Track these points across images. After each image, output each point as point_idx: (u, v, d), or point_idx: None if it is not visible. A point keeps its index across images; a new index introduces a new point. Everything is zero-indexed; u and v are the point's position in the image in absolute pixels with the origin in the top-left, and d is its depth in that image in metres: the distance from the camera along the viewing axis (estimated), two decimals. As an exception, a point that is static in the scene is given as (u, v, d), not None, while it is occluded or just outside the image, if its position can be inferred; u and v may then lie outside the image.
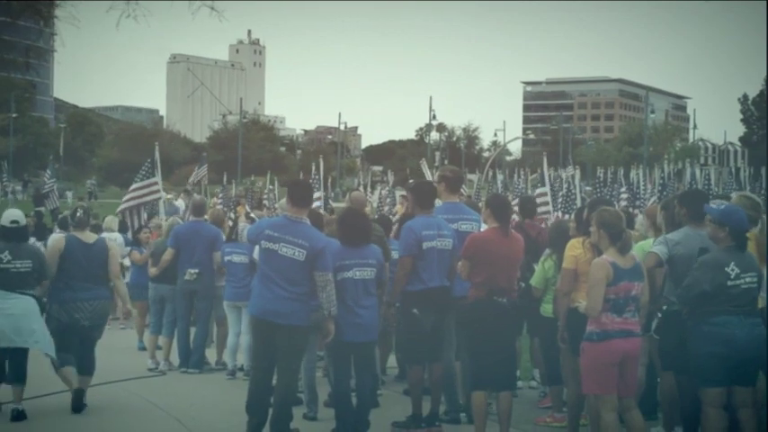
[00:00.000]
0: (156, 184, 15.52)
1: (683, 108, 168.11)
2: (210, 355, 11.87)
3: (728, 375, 7.01)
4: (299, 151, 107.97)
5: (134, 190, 15.42)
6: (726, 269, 7.00)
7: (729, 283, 6.97)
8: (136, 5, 9.63)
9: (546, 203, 15.25)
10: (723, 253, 7.11)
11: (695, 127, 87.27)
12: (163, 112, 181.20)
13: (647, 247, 8.00)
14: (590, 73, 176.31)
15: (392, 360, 11.13)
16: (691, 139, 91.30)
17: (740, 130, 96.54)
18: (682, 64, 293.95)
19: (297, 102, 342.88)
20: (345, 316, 8.15)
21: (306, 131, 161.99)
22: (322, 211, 15.62)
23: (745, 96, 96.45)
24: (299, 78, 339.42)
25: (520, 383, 9.99)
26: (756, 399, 7.49)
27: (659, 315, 7.78)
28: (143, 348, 12.75)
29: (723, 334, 6.94)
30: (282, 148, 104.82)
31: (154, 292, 11.94)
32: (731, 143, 62.02)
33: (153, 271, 11.86)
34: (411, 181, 13.77)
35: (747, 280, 7.03)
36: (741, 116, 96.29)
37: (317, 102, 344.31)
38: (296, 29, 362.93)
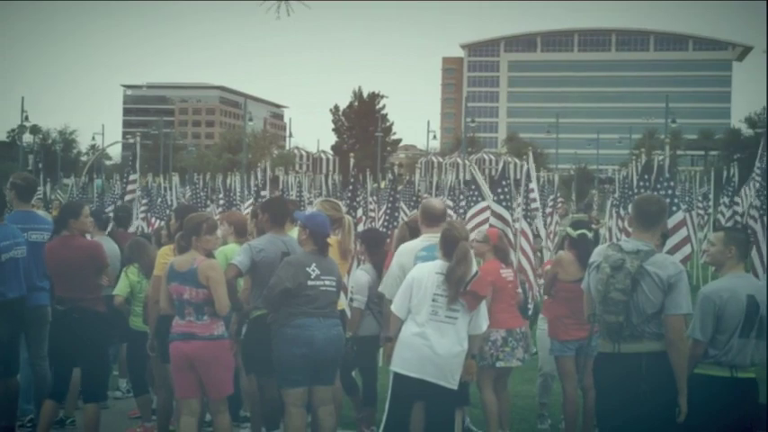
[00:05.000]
0: (135, 181, 13.66)
1: (281, 117, 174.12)
2: None
3: (309, 376, 7.31)
4: None
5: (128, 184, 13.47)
6: (307, 269, 7.33)
7: (310, 282, 7.29)
8: None
9: (534, 200, 14.38)
10: (306, 255, 7.45)
11: (291, 135, 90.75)
12: None
13: (228, 253, 8.15)
14: (191, 79, 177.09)
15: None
16: (287, 147, 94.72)
17: (332, 138, 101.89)
18: (279, 74, 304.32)
19: None
20: None
21: None
22: None
23: (337, 107, 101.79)
24: None
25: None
26: (336, 396, 7.95)
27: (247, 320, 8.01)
28: None
29: (304, 336, 7.22)
30: None
31: None
32: (324, 151, 65.15)
33: None
34: None
35: (327, 283, 7.39)
36: (333, 126, 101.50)
37: None
38: None
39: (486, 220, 12.51)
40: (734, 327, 6.13)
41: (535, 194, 13.85)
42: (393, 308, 7.01)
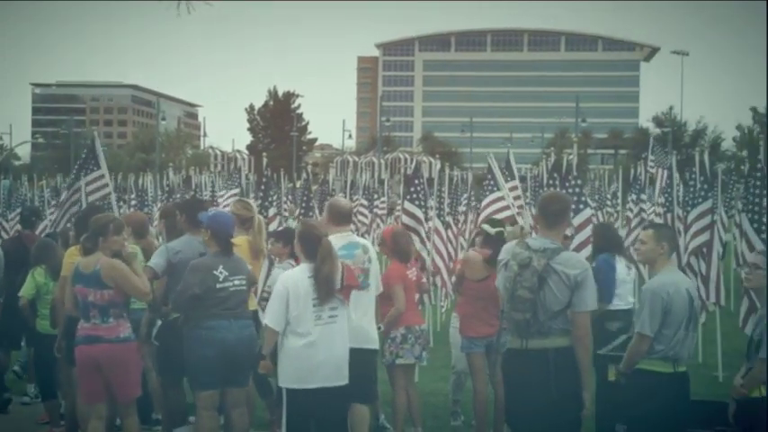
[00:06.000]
0: (102, 177, 11.99)
1: (195, 116, 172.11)
2: None
3: (221, 378, 7.24)
4: None
5: (86, 184, 11.80)
6: (214, 272, 7.25)
7: (218, 285, 7.22)
8: None
9: (519, 197, 13.57)
10: (212, 257, 7.37)
11: (205, 135, 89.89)
12: None
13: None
14: (102, 77, 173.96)
15: None
16: (202, 147, 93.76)
17: (247, 138, 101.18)
18: (193, 73, 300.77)
19: None
20: None
21: None
22: None
23: (252, 107, 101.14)
24: None
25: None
26: (249, 398, 7.90)
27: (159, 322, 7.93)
28: None
29: (215, 337, 7.15)
30: None
31: None
32: (239, 151, 64.66)
33: None
34: None
35: (236, 283, 7.33)
36: (248, 125, 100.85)
37: None
38: None
39: (502, 208, 12.24)
40: (680, 321, 6.25)
41: (519, 192, 13.60)
42: (269, 322, 6.68)
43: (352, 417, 7.45)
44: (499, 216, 12.21)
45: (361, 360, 7.18)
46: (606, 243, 9.10)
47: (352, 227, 8.08)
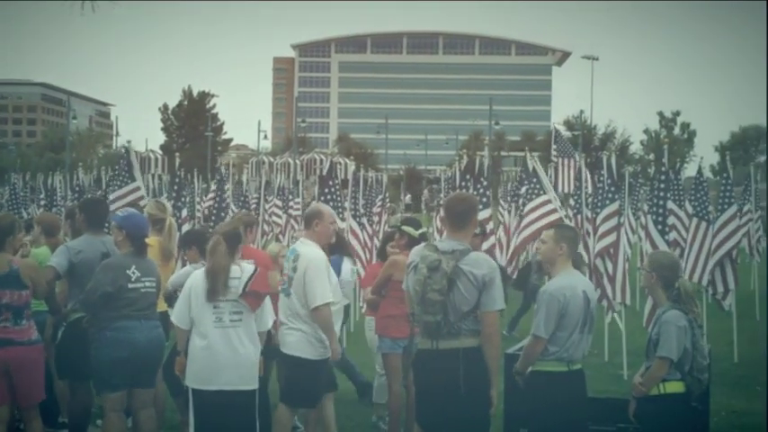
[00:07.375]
0: (138, 189, 12.50)
1: (108, 115, 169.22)
2: None
3: (129, 379, 7.18)
4: None
5: (117, 199, 12.12)
6: (127, 271, 7.21)
7: (130, 285, 7.17)
8: None
9: (554, 211, 12.64)
10: (125, 257, 7.33)
11: (118, 134, 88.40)
12: None
13: (40, 255, 7.91)
14: (11, 75, 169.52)
15: None
16: (114, 146, 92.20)
17: (161, 138, 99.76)
18: (105, 72, 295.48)
19: None
20: None
21: None
22: None
23: (166, 106, 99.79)
24: None
25: None
26: (158, 398, 7.84)
27: (64, 324, 7.82)
28: None
29: (124, 339, 7.09)
30: None
31: None
32: (152, 150, 63.64)
33: None
34: None
35: (147, 284, 7.29)
36: (162, 125, 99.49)
37: None
38: None
39: (549, 212, 12.14)
40: (575, 324, 6.34)
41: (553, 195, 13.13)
42: (174, 320, 6.81)
43: (275, 416, 7.47)
44: (547, 220, 12.03)
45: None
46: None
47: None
